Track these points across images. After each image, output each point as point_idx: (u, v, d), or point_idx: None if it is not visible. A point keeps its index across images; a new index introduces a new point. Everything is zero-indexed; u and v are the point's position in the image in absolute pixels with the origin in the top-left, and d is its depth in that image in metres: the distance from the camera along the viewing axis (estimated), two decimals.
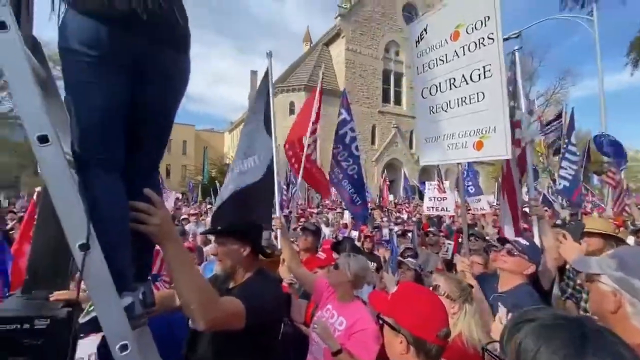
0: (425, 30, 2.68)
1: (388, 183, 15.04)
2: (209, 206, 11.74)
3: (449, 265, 3.48)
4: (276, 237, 5.00)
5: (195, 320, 1.16)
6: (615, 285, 0.96)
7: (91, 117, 0.95)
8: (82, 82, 0.95)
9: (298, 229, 4.34)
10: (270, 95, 3.00)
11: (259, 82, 3.25)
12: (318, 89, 4.43)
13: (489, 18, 2.17)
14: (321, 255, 2.64)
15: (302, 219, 6.38)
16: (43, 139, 0.91)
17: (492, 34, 2.18)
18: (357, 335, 1.77)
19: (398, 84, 30.11)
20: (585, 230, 2.84)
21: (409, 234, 4.33)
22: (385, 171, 23.94)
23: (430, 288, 1.64)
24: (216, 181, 16.45)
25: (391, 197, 14.43)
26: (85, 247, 0.92)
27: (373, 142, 28.71)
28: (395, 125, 28.94)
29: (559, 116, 8.39)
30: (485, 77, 2.23)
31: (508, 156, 2.20)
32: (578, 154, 7.07)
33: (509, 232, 2.55)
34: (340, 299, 2.13)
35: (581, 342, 0.48)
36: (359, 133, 29.64)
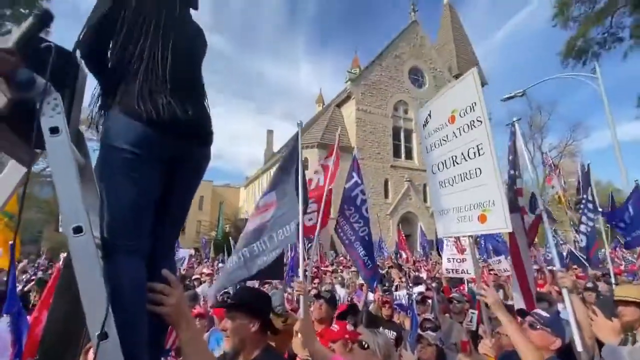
0: (429, 115, 3.07)
1: (404, 237, 14.66)
2: (220, 265, 11.58)
3: (474, 336, 3.22)
4: (289, 300, 4.85)
5: None
6: None
7: (125, 209, 1.03)
8: (122, 175, 1.04)
9: (311, 292, 4.19)
10: (300, 163, 3.08)
11: (274, 141, 3.41)
12: (335, 150, 4.63)
13: (475, 104, 2.51)
14: (334, 327, 2.50)
15: (316, 280, 6.17)
16: (77, 230, 0.98)
17: (480, 117, 2.49)
18: None
19: (408, 139, 30.99)
20: (617, 298, 2.64)
21: (429, 300, 4.08)
22: (400, 225, 23.51)
23: None
24: (230, 237, 16.41)
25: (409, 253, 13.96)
26: (103, 337, 0.94)
27: (386, 196, 28.69)
28: (407, 179, 29.11)
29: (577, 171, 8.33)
30: (479, 155, 2.47)
31: (508, 229, 2.28)
32: (599, 209, 6.85)
33: (519, 301, 2.53)
34: None
35: None
36: (372, 187, 29.98)
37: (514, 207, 2.73)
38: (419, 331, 2.66)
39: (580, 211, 6.48)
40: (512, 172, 2.88)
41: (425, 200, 29.81)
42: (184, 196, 1.20)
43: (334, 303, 3.23)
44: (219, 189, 47.17)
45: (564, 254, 8.66)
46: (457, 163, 2.68)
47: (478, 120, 2.50)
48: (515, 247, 2.67)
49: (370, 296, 5.27)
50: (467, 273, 4.05)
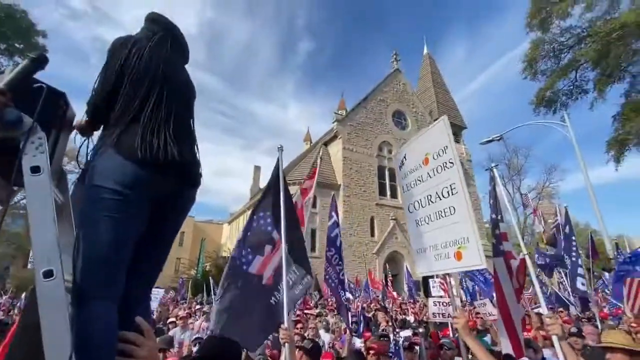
0: (405, 157, 3.23)
1: (391, 278, 14.40)
2: (197, 306, 10.95)
3: None
4: (268, 346, 4.57)
5: None
6: None
7: (104, 252, 0.99)
8: (105, 216, 1.01)
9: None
10: (281, 189, 2.97)
11: (261, 177, 3.33)
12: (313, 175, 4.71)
13: (447, 147, 2.68)
14: None
15: (299, 325, 5.87)
16: (48, 274, 0.93)
17: (451, 159, 2.64)
18: None
19: (393, 178, 31.65)
20: (604, 345, 2.62)
21: (417, 347, 3.92)
22: (387, 265, 23.18)
23: None
24: (210, 276, 15.69)
25: (395, 294, 13.62)
26: None
27: (372, 234, 28.58)
28: (393, 217, 29.26)
29: (555, 213, 8.64)
30: (452, 194, 2.57)
31: (483, 265, 2.31)
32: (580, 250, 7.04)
33: (506, 347, 2.45)
34: None
35: None
36: (358, 225, 29.82)
37: (497, 252, 2.76)
38: None
39: (574, 253, 6.62)
40: (493, 216, 2.97)
41: None
42: (166, 237, 1.18)
43: (317, 354, 3.06)
44: (201, 224, 45.89)
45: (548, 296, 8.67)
46: (432, 202, 2.78)
47: (450, 162, 2.64)
48: (500, 291, 2.67)
49: (356, 341, 5.04)
50: (451, 317, 3.94)
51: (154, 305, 8.27)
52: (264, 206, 2.97)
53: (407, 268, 16.43)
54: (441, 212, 2.67)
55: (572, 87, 17.62)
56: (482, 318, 5.95)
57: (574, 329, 5.16)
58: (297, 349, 3.06)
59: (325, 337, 5.92)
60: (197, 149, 1.25)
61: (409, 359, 3.50)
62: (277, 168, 3.02)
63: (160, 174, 1.06)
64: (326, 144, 31.92)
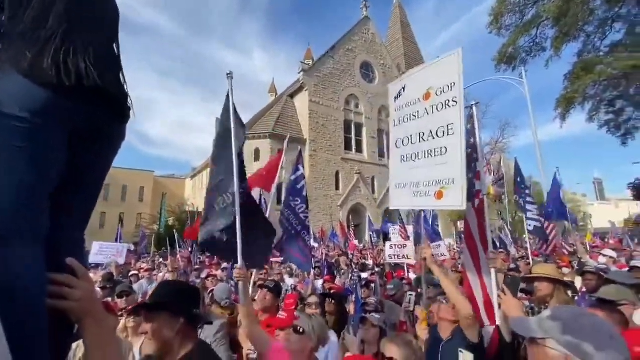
0: (403, 89, 3.01)
1: (354, 229, 15.16)
2: (160, 260, 10.87)
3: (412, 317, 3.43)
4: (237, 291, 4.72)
5: None
6: (567, 350, 0.93)
7: (16, 186, 0.86)
8: (15, 147, 0.87)
9: (258, 282, 4.10)
10: (232, 118, 2.71)
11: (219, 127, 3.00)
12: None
13: (454, 84, 2.49)
14: (282, 315, 2.47)
15: (264, 271, 6.07)
16: None
17: (456, 97, 2.47)
18: None
19: (359, 133, 31.87)
20: (534, 275, 2.99)
21: (372, 285, 4.25)
22: (351, 216, 24.25)
23: None
24: (175, 230, 15.47)
25: (356, 242, 14.45)
26: None
27: (337, 188, 29.30)
28: (357, 172, 30.00)
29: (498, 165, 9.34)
30: (448, 135, 2.47)
31: (463, 207, 2.35)
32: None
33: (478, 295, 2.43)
34: None
35: None
36: (323, 179, 30.26)
37: (470, 195, 2.65)
38: (363, 314, 2.74)
39: (523, 198, 7.27)
40: (474, 155, 2.84)
41: (373, 192, 31.03)
42: (94, 176, 1.05)
43: (278, 292, 3.19)
44: (161, 179, 44.11)
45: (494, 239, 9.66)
46: (424, 140, 2.67)
47: (454, 101, 2.47)
48: (468, 230, 2.66)
49: (318, 283, 5.34)
50: (407, 258, 4.28)
51: (120, 260, 8.08)
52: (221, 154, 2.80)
53: (369, 218, 17.29)
54: (431, 151, 2.58)
55: (532, 44, 18.10)
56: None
57: (512, 266, 5.83)
58: (261, 288, 3.16)
59: (289, 281, 6.21)
60: (124, 78, 1.09)
61: (366, 295, 3.79)
62: (227, 99, 2.76)
63: (77, 102, 0.91)
64: (292, 95, 30.86)
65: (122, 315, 3.18)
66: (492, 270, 2.30)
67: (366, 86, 32.39)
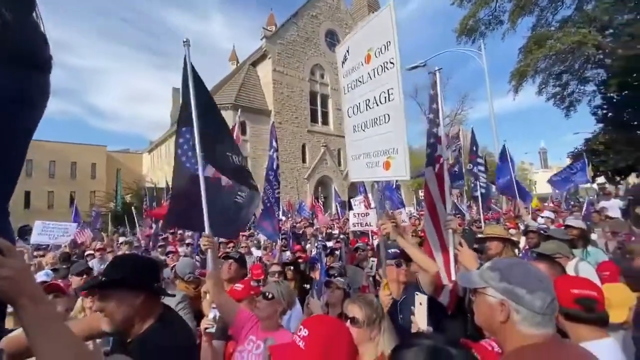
0: (347, 52, 2.81)
1: (323, 201, 15.39)
2: (121, 239, 10.38)
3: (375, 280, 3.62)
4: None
5: None
6: (502, 296, 1.02)
7: None
8: None
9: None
10: (191, 87, 2.49)
11: (181, 99, 2.73)
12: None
13: (389, 43, 2.31)
14: (238, 287, 2.47)
15: (231, 244, 6.02)
16: None
17: (393, 58, 2.30)
18: None
19: (325, 105, 31.51)
20: (486, 235, 3.24)
21: (337, 252, 4.39)
22: (320, 188, 24.49)
23: (348, 322, 1.63)
24: (133, 207, 14.68)
25: (327, 216, 14.74)
26: None
27: (304, 160, 29.24)
28: (324, 144, 30.00)
29: (457, 136, 9.82)
30: (389, 100, 2.35)
31: (407, 177, 2.35)
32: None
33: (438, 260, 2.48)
34: (266, 329, 2.01)
35: None
36: (290, 152, 29.90)
37: (431, 160, 2.72)
38: (327, 278, 2.83)
39: (476, 166, 7.74)
40: (431, 116, 2.85)
41: (339, 164, 31.38)
42: (15, 137, 0.91)
43: (244, 262, 3.18)
44: (115, 154, 41.13)
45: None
46: (370, 107, 2.55)
47: (391, 62, 2.30)
48: (431, 204, 2.66)
49: (285, 254, 5.42)
50: (370, 225, 4.43)
51: (66, 240, 7.54)
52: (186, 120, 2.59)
53: (335, 190, 17.58)
54: (376, 119, 2.48)
55: (491, 16, 18.59)
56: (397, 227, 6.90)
57: (467, 229, 6.27)
58: (226, 259, 3.13)
59: (256, 253, 6.24)
60: (41, 21, 0.92)
61: (331, 261, 3.92)
62: (185, 68, 2.53)
63: None
64: (254, 64, 29.48)
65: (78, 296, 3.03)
66: (450, 231, 2.44)
67: (331, 56, 31.64)
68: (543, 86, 18.97)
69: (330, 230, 9.27)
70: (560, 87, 19.13)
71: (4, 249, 0.82)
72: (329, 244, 5.78)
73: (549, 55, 16.47)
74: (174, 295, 2.31)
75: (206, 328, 2.05)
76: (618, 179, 17.23)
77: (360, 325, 1.61)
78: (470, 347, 1.43)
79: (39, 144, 31.41)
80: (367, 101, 2.58)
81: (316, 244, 4.35)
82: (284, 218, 12.91)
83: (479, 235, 3.51)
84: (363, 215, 4.24)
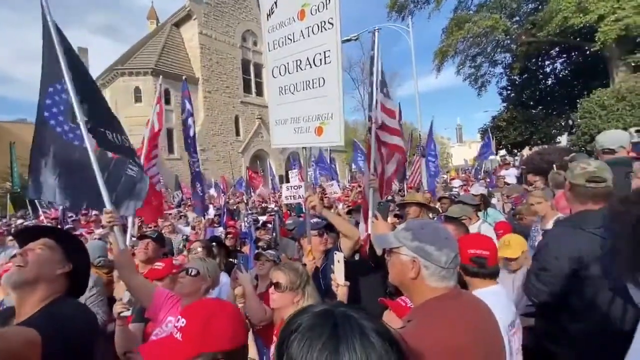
0: (275, 3, 2.53)
1: (261, 174, 15.06)
2: (19, 221, 8.92)
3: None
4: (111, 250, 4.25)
5: None
6: (413, 253, 1.10)
7: None
8: None
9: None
10: (55, 40, 2.04)
11: (89, 62, 2.19)
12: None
13: (329, 1, 2.15)
14: (158, 265, 2.29)
15: (153, 224, 5.55)
16: None
17: (332, 18, 2.13)
18: None
19: (259, 75, 30.10)
20: (406, 201, 3.53)
21: (269, 225, 4.36)
22: (259, 163, 23.76)
23: (272, 287, 1.64)
24: None
25: (269, 189, 14.53)
26: None
27: (238, 134, 28.02)
28: (258, 116, 28.98)
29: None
30: (325, 63, 2.21)
31: (341, 143, 2.29)
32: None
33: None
34: None
35: (333, 332, 0.50)
36: (221, 124, 28.25)
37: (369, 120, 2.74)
38: (259, 251, 2.79)
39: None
40: (373, 78, 2.81)
41: None
42: None
43: (162, 241, 2.95)
44: (6, 125, 34.14)
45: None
46: (301, 69, 2.36)
47: (330, 22, 2.15)
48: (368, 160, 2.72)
49: (218, 230, 5.21)
50: (302, 198, 4.47)
51: None
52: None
53: (269, 164, 17.35)
54: (309, 82, 2.31)
55: None
56: (328, 197, 7.10)
57: (390, 198, 6.73)
58: (142, 239, 2.86)
59: (185, 230, 5.88)
60: None
61: (263, 234, 3.89)
62: (44, 16, 2.03)
63: None
64: (177, 25, 26.51)
65: None
66: (370, 190, 2.58)
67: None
68: (461, 66, 20.76)
69: (265, 205, 9.19)
70: (474, 69, 21.15)
71: None
72: (263, 218, 5.72)
73: (467, 38, 17.94)
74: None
75: (120, 312, 1.88)
76: (516, 151, 20.13)
77: (283, 290, 1.64)
78: (386, 304, 1.55)
79: None
80: (298, 62, 2.38)
81: (246, 218, 4.25)
82: (215, 194, 12.40)
83: (400, 201, 3.80)
84: (296, 187, 4.23)
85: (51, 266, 1.30)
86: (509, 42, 19.05)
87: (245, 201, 9.45)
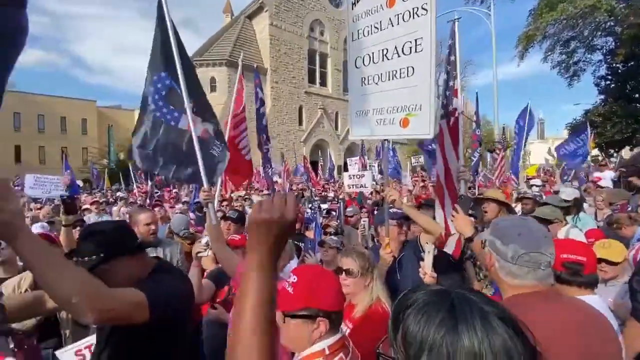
0: None
1: (321, 164, 15.48)
2: (118, 194, 10.40)
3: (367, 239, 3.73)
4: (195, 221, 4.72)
5: (81, 313, 1.00)
6: (489, 247, 1.15)
7: None
8: None
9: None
10: (170, 33, 2.32)
11: (175, 55, 2.49)
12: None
13: None
14: (235, 236, 2.52)
15: (225, 202, 6.04)
16: None
17: (427, 4, 2.02)
18: None
19: (323, 65, 30.33)
20: (485, 197, 3.29)
21: (334, 212, 4.45)
22: (320, 152, 24.27)
23: (343, 274, 1.69)
24: (129, 165, 14.54)
25: (322, 178, 14.89)
26: None
27: (300, 123, 28.76)
28: (321, 107, 29.34)
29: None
30: (416, 51, 2.09)
31: (431, 136, 2.18)
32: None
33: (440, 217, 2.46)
34: None
35: (451, 311, 0.49)
36: (286, 113, 29.18)
37: (446, 111, 2.59)
38: (323, 237, 2.88)
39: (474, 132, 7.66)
40: (449, 67, 2.65)
41: (336, 128, 30.95)
42: None
43: (242, 220, 3.20)
44: (106, 110, 39.80)
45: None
46: (388, 58, 2.25)
47: (423, 9, 2.00)
48: (442, 148, 2.54)
49: None
50: (365, 187, 4.46)
51: (58, 193, 7.51)
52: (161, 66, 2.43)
53: (329, 154, 17.56)
54: (396, 72, 2.19)
55: None
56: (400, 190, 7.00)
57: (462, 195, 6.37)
58: (224, 220, 3.15)
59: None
60: None
61: (327, 221, 3.99)
62: (160, 7, 2.30)
63: None
64: (250, 17, 27.85)
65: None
66: (462, 182, 2.49)
67: (333, 11, 29.91)
68: (549, 53, 18.38)
69: (325, 193, 9.35)
70: (566, 55, 18.54)
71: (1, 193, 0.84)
72: (324, 206, 5.84)
73: (559, 20, 15.77)
74: (156, 246, 2.41)
75: (198, 252, 2.13)
76: (612, 151, 17.32)
77: (356, 275, 1.69)
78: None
79: (25, 97, 30.23)
80: (385, 51, 2.27)
81: (310, 205, 4.39)
82: (279, 180, 12.99)
83: (477, 196, 3.56)
84: (358, 176, 4.23)
85: (120, 274, 1.39)
86: (612, 24, 16.26)
87: (309, 188, 9.74)
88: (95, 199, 7.04)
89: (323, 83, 30.50)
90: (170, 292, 1.33)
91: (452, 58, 2.64)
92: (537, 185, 6.47)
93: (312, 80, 29.66)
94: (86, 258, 1.31)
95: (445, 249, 2.16)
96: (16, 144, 30.42)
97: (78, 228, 3.75)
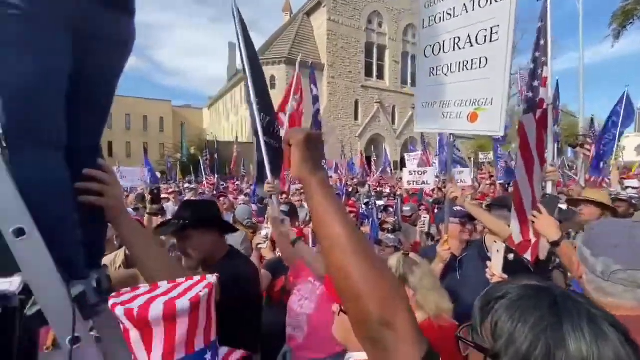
0: None
1: (375, 160, 15.25)
2: (187, 185, 11.47)
3: (428, 237, 3.58)
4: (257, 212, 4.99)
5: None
6: (577, 254, 1.02)
7: (23, 84, 0.80)
8: (9, 42, 0.79)
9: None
10: (242, 47, 2.55)
11: (237, 55, 2.78)
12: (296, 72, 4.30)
13: None
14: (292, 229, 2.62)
15: (284, 195, 6.30)
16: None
17: None
18: None
19: (381, 57, 29.58)
20: (584, 198, 2.90)
21: (391, 209, 4.35)
22: (373, 147, 23.93)
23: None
24: (200, 159, 15.96)
25: (377, 173, 14.66)
26: (20, 233, 0.81)
27: (356, 118, 28.54)
28: (377, 101, 28.74)
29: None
30: (491, 41, 1.93)
31: (500, 134, 2.03)
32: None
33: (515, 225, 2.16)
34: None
35: (554, 310, 0.46)
36: (342, 108, 29.19)
37: (532, 105, 2.36)
38: (377, 237, 2.85)
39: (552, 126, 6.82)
40: (537, 54, 2.43)
41: (393, 122, 30.07)
42: (103, 77, 0.97)
43: (295, 212, 3.31)
44: (179, 109, 44.09)
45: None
46: (460, 47, 2.10)
47: None
48: (525, 142, 2.21)
49: None
50: (427, 184, 4.24)
51: (140, 183, 8.57)
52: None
53: (385, 149, 17.14)
54: (468, 62, 2.05)
55: None
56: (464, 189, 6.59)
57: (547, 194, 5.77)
58: None
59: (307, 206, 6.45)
60: None
61: (384, 218, 3.93)
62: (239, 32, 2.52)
63: None
64: (308, 14, 28.27)
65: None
66: (549, 183, 2.21)
67: (392, 1, 28.90)
68: None
69: (380, 189, 9.19)
70: None
71: (108, 170, 0.97)
72: (379, 202, 5.75)
73: None
74: (237, 230, 2.59)
75: (258, 244, 2.25)
76: None
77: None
78: None
79: (117, 98, 34.83)
80: (456, 39, 2.13)
81: (367, 200, 4.34)
82: (333, 175, 13.09)
83: (575, 197, 3.16)
84: (420, 173, 4.03)
85: (206, 244, 1.58)
86: None
87: (362, 184, 9.68)
88: (172, 189, 7.85)
89: (380, 76, 29.80)
90: (244, 276, 1.46)
91: (542, 42, 2.36)
92: (633, 187, 5.54)
93: (368, 73, 29.17)
94: (180, 221, 1.54)
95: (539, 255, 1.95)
96: (109, 140, 35.35)
97: (160, 216, 4.24)
